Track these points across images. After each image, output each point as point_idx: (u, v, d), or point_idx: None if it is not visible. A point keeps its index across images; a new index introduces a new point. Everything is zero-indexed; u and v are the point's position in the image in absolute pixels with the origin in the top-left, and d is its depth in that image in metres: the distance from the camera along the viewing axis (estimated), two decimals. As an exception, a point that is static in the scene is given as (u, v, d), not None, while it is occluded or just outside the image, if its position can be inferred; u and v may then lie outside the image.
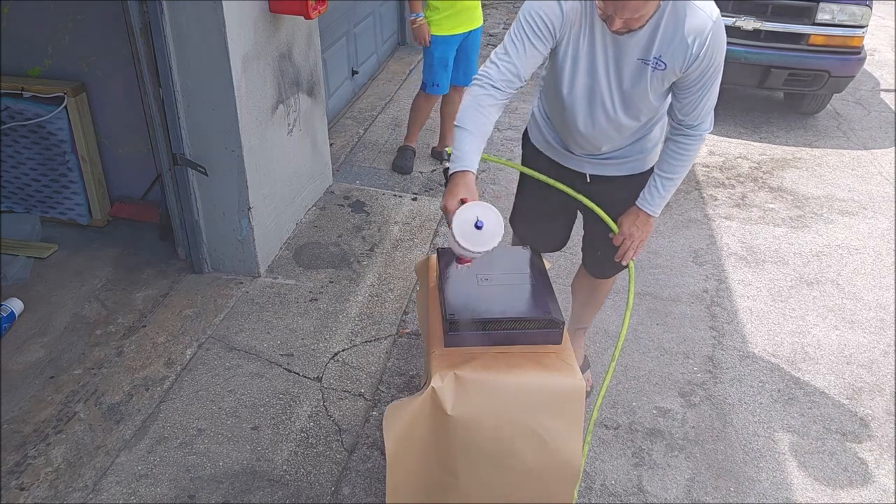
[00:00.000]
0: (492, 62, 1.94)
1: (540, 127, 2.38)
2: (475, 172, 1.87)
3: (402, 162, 4.28)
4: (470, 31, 3.98)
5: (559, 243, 2.69)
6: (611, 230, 2.26)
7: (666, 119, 2.23)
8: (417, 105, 4.23)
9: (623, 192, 2.26)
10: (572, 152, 2.28)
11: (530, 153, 2.45)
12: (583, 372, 2.60)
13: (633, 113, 2.05)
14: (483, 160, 2.12)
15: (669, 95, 2.06)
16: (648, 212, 2.18)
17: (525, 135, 2.51)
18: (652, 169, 2.22)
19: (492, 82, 1.92)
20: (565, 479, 1.88)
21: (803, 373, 2.92)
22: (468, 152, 1.87)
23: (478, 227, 1.74)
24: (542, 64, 2.09)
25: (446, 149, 2.00)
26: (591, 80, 2.00)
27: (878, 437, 2.64)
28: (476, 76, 1.95)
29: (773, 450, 2.56)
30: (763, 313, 3.27)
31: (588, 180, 2.30)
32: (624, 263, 2.26)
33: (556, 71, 2.05)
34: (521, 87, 1.97)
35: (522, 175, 2.49)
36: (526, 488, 1.88)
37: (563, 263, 3.54)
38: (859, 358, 3.02)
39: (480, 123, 1.90)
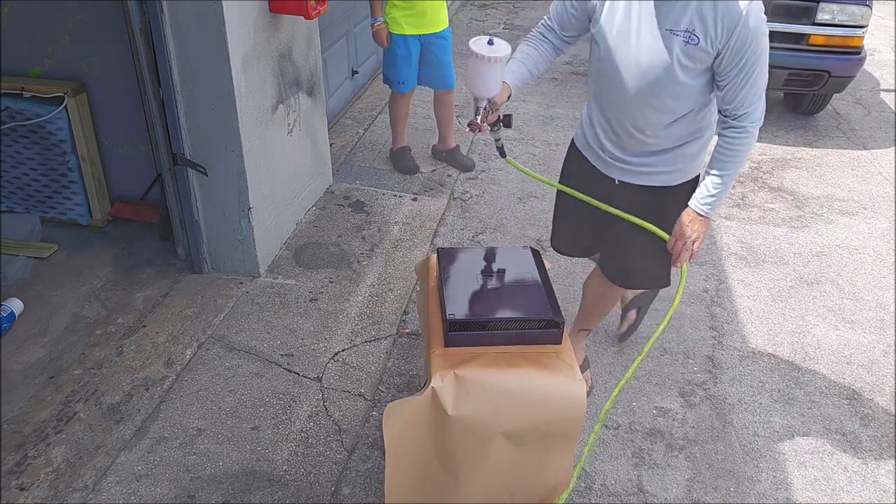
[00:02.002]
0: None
1: (583, 124, 2.40)
2: (510, 89, 2.17)
3: (403, 163, 4.28)
4: (434, 34, 3.98)
5: (590, 251, 2.69)
6: (660, 238, 2.22)
7: (707, 139, 2.22)
8: (392, 106, 4.24)
9: (648, 202, 2.25)
10: (606, 153, 2.28)
11: (571, 153, 2.49)
12: (582, 371, 2.60)
13: (659, 91, 2.03)
14: (518, 170, 2.52)
15: (707, 92, 2.04)
16: (696, 209, 2.12)
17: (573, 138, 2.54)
18: (682, 185, 2.23)
19: (537, 28, 2.29)
20: (564, 478, 1.89)
21: (803, 373, 2.92)
22: (512, 73, 2.21)
23: (490, 43, 2.00)
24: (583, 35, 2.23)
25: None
26: (623, 49, 2.03)
27: (878, 437, 2.64)
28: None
29: (773, 450, 2.56)
30: (763, 313, 3.27)
31: (616, 184, 2.30)
32: (677, 266, 2.20)
33: (594, 41, 2.12)
34: (560, 37, 2.25)
35: (563, 172, 2.55)
36: (525, 488, 1.88)
37: (563, 263, 3.54)
38: (859, 358, 3.02)
39: (522, 52, 2.25)
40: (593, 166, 2.35)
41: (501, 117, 2.21)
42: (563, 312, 1.95)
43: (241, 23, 2.82)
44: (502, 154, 2.40)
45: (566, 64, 6.38)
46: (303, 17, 3.12)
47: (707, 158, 2.19)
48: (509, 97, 2.18)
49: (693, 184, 2.26)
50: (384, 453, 1.87)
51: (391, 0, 3.84)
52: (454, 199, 4.10)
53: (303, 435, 2.47)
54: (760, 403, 2.76)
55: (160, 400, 2.57)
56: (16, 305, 2.92)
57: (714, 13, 1.87)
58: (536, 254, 2.18)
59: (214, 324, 2.95)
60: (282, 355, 2.81)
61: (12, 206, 3.52)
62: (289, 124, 3.37)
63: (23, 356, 2.74)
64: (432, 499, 1.89)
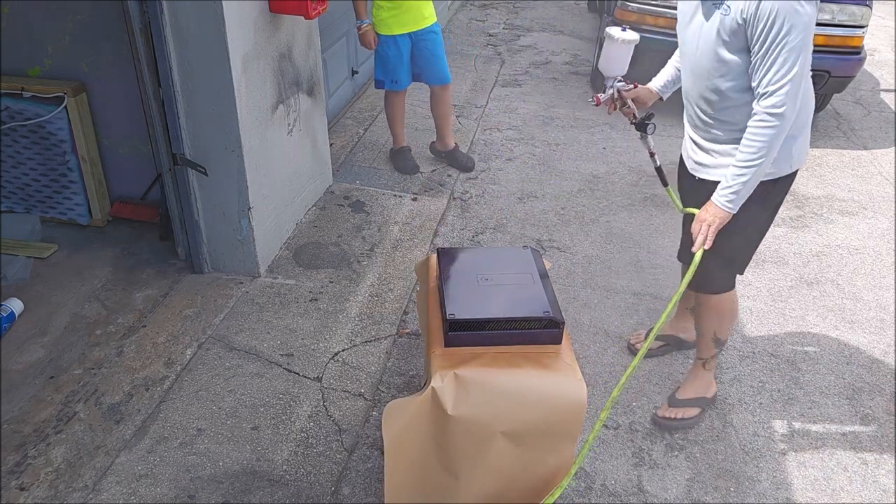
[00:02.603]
0: None
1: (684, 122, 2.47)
2: (651, 88, 2.54)
3: (403, 163, 4.28)
4: (423, 30, 3.96)
5: None
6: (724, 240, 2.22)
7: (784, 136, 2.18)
8: (388, 105, 4.23)
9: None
10: (689, 149, 2.36)
11: (680, 162, 2.56)
12: (678, 405, 2.59)
13: (709, 70, 2.07)
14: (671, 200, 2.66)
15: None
16: (715, 201, 2.13)
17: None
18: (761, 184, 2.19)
19: None
20: (563, 477, 1.89)
21: (803, 373, 2.92)
22: (657, 76, 2.55)
23: (623, 30, 2.30)
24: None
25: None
26: (685, 32, 2.15)
27: (878, 437, 2.64)
28: None
29: (773, 450, 2.56)
30: (763, 313, 3.27)
31: (696, 180, 2.34)
32: (693, 250, 2.20)
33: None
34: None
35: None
36: (525, 488, 1.88)
37: (563, 263, 3.54)
38: (859, 358, 3.02)
39: (669, 61, 2.55)
40: (685, 165, 2.43)
41: (641, 118, 2.44)
42: (563, 312, 1.95)
43: (241, 23, 2.82)
44: (662, 180, 2.61)
45: (566, 64, 6.38)
46: (303, 17, 3.12)
47: (794, 160, 2.18)
48: (661, 99, 2.55)
49: (781, 184, 2.24)
50: (384, 453, 1.87)
51: (380, 6, 3.83)
52: (454, 199, 4.10)
53: (303, 435, 2.47)
54: (760, 403, 2.76)
55: (160, 400, 2.57)
56: (16, 305, 2.92)
57: None
58: (536, 254, 2.18)
59: (214, 324, 2.94)
60: (282, 355, 2.81)
61: (12, 206, 3.52)
62: (289, 124, 3.37)
63: (23, 356, 2.74)
64: (432, 499, 1.89)
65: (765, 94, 1.96)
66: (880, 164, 4.82)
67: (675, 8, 4.97)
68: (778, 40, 1.88)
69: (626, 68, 2.40)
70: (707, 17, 2.04)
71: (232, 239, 3.16)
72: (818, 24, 4.74)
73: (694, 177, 2.35)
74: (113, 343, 2.82)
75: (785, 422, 2.68)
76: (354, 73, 5.13)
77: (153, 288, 3.14)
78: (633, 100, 2.49)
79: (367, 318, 3.05)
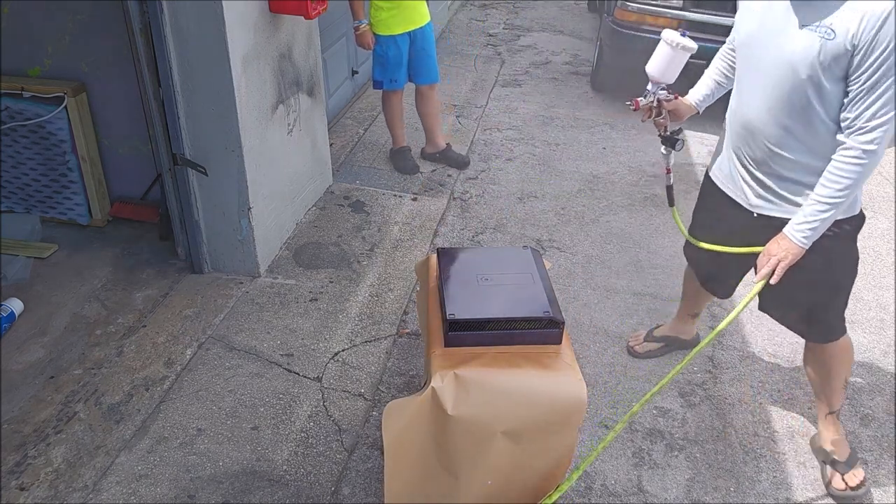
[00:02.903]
0: None
1: (720, 147, 2.31)
2: (690, 102, 2.38)
3: (403, 163, 4.28)
4: (420, 28, 3.97)
5: (728, 289, 2.59)
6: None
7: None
8: (387, 106, 4.23)
9: None
10: (744, 181, 2.14)
11: (706, 187, 2.40)
12: (848, 468, 2.37)
13: (797, 97, 1.88)
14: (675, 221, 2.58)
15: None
16: (788, 234, 1.96)
17: (707, 168, 2.45)
18: (840, 222, 2.02)
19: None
20: (563, 477, 1.89)
21: (803, 373, 2.92)
22: (694, 88, 2.41)
23: (682, 35, 2.18)
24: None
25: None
26: (760, 54, 1.95)
27: (878, 437, 2.64)
28: None
29: (773, 450, 2.56)
30: (763, 313, 3.27)
31: (755, 216, 2.15)
32: (755, 279, 2.07)
33: (737, 42, 2.10)
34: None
35: (697, 205, 2.51)
36: (526, 488, 1.88)
37: (563, 263, 3.54)
38: (859, 358, 3.02)
39: (711, 66, 2.40)
40: (731, 199, 2.22)
41: (671, 132, 2.30)
42: (563, 312, 1.95)
43: (241, 23, 2.82)
44: (670, 200, 2.52)
45: (566, 64, 6.38)
46: (303, 17, 3.12)
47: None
48: (698, 113, 2.37)
49: (854, 222, 2.07)
50: (384, 453, 1.87)
51: (379, 6, 3.82)
52: (454, 199, 4.10)
53: (303, 435, 2.47)
54: (760, 403, 2.76)
55: (160, 400, 2.57)
56: (16, 305, 2.92)
57: (855, 9, 1.72)
58: (536, 254, 2.18)
59: (214, 324, 2.94)
60: (282, 355, 2.80)
61: (12, 206, 3.52)
62: (289, 124, 3.37)
63: (23, 356, 2.74)
64: (432, 499, 1.89)
65: (863, 129, 1.79)
66: (880, 164, 4.82)
67: (675, 8, 5.02)
68: (886, 69, 1.72)
69: (674, 76, 2.24)
70: (796, 39, 1.83)
71: (232, 239, 3.16)
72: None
73: (751, 213, 2.16)
74: (113, 343, 2.82)
75: (785, 422, 2.68)
76: (354, 73, 5.13)
77: (153, 288, 3.13)
78: (669, 112, 2.33)
79: (367, 318, 3.05)
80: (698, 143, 4.93)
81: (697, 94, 2.39)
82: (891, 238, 3.93)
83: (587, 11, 8.02)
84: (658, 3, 4.94)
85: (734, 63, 2.23)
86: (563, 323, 1.88)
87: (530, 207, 4.04)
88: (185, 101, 2.87)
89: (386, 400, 2.63)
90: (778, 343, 3.08)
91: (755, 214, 2.15)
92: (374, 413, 2.59)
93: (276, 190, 3.31)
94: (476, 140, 4.83)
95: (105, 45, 3.18)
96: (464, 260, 2.18)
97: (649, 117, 2.33)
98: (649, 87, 2.28)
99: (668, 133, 2.35)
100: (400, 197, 4.00)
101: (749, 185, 2.15)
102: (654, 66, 2.24)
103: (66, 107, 3.22)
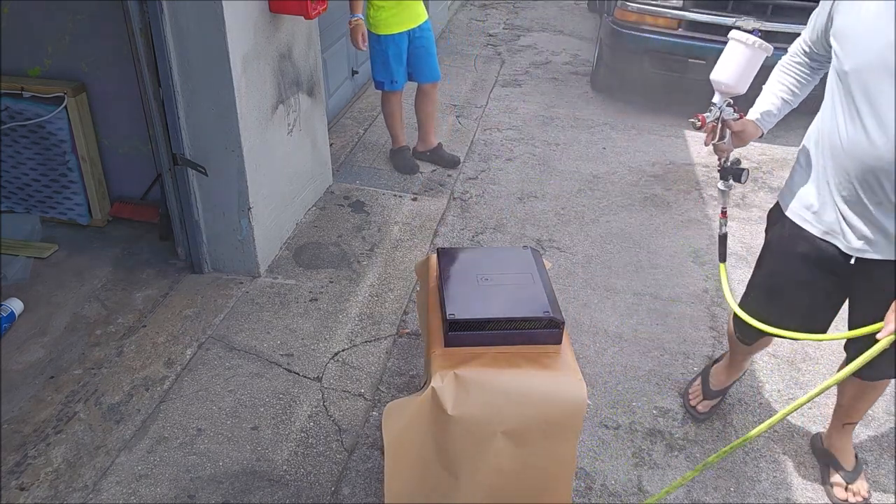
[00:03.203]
0: None
1: (797, 180, 1.99)
2: (752, 119, 2.06)
3: (403, 163, 4.28)
4: (419, 26, 3.98)
5: (819, 325, 2.13)
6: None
7: None
8: (387, 106, 4.22)
9: None
10: (842, 220, 1.85)
11: (778, 230, 2.07)
12: (854, 479, 2.32)
13: None
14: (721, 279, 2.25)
15: None
16: None
17: (774, 208, 2.13)
18: None
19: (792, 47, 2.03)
20: (564, 477, 1.89)
21: (803, 373, 2.92)
22: (756, 106, 2.09)
23: (756, 33, 1.93)
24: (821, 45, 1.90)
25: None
26: (869, 55, 1.64)
27: (878, 437, 2.64)
28: None
29: (773, 450, 2.56)
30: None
31: (852, 263, 1.88)
32: (879, 337, 1.71)
33: (834, 55, 1.77)
34: (809, 54, 1.98)
35: (762, 259, 2.19)
36: (526, 488, 1.88)
37: (563, 263, 3.54)
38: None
39: (772, 79, 2.08)
40: (819, 239, 1.93)
41: (732, 161, 2.01)
42: (563, 312, 1.95)
43: (241, 23, 2.82)
44: (722, 254, 2.20)
45: (566, 64, 6.38)
46: (303, 17, 3.12)
47: None
48: (761, 136, 2.04)
49: None
50: (384, 453, 1.87)
51: (379, 6, 3.80)
52: (454, 199, 4.10)
53: (303, 435, 2.47)
54: (760, 403, 2.76)
55: (160, 400, 2.57)
56: (16, 305, 2.92)
57: None
58: (536, 254, 2.17)
59: (214, 324, 2.94)
60: (282, 355, 2.80)
61: (12, 206, 3.52)
62: (289, 124, 3.37)
63: (23, 356, 2.74)
64: (432, 499, 1.89)
65: None
66: None
67: (675, 8, 5.03)
68: None
69: (746, 85, 1.95)
70: None
71: (232, 239, 3.16)
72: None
73: (847, 259, 1.89)
74: (113, 343, 2.82)
75: (785, 422, 2.68)
76: (354, 73, 5.13)
77: (153, 288, 3.13)
78: (734, 133, 2.02)
79: (367, 318, 3.05)
80: (698, 144, 4.93)
81: (762, 113, 2.04)
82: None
83: (587, 11, 8.02)
84: (658, 3, 4.94)
85: (805, 78, 2.00)
86: (563, 323, 1.88)
87: (530, 207, 4.04)
88: (185, 101, 2.87)
89: (386, 400, 2.63)
90: (778, 343, 3.08)
91: (852, 261, 1.88)
92: (374, 413, 2.59)
93: (276, 190, 3.31)
94: (476, 140, 4.83)
95: (105, 45, 3.18)
96: (464, 260, 2.18)
97: (713, 140, 2.03)
98: (716, 99, 1.99)
99: (730, 163, 2.05)
100: (400, 197, 4.00)
101: (852, 227, 1.84)
102: (725, 72, 1.93)
103: (66, 107, 3.22)
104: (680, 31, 4.90)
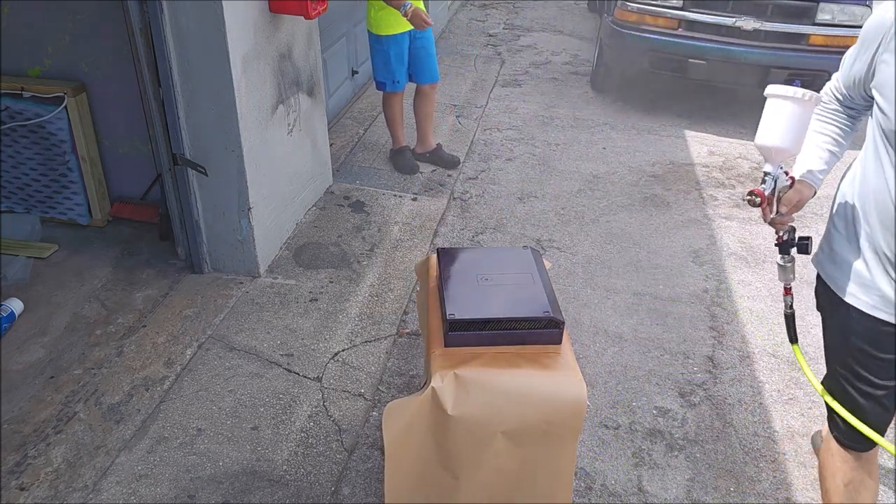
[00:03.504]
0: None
1: (835, 246, 1.75)
2: (805, 180, 1.78)
3: (403, 163, 4.28)
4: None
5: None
6: None
7: None
8: (388, 106, 4.23)
9: None
10: (890, 276, 1.62)
11: (832, 312, 1.78)
12: None
13: None
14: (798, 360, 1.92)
15: None
16: None
17: (818, 285, 1.85)
18: None
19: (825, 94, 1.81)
20: (564, 477, 1.89)
21: (803, 373, 2.92)
22: (804, 162, 1.80)
23: (795, 83, 1.71)
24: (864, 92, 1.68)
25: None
26: None
27: (878, 437, 2.64)
28: None
29: (773, 450, 2.56)
30: (763, 313, 3.27)
31: None
32: None
33: (875, 105, 1.60)
34: (845, 101, 1.76)
35: (826, 321, 1.85)
36: (526, 488, 1.88)
37: (563, 263, 3.54)
38: (859, 358, 3.02)
39: (815, 141, 1.80)
40: (885, 323, 1.66)
41: (795, 237, 1.78)
42: (563, 312, 1.95)
43: (241, 23, 2.82)
44: (791, 334, 1.92)
45: (566, 64, 6.38)
46: (303, 17, 3.12)
47: None
48: (814, 193, 1.78)
49: None
50: (384, 453, 1.87)
51: (381, 7, 3.80)
52: (454, 199, 4.10)
53: (303, 435, 2.47)
54: (760, 403, 2.76)
55: (160, 400, 2.57)
56: (16, 305, 2.92)
57: None
58: (536, 254, 2.17)
59: (214, 324, 2.94)
60: (282, 355, 2.80)
61: (12, 206, 3.52)
62: (289, 124, 3.37)
63: (23, 356, 2.74)
64: (432, 499, 1.89)
65: None
66: None
67: (675, 8, 5.03)
68: None
69: (801, 142, 1.74)
70: None
71: (232, 239, 3.16)
72: (819, 24, 4.75)
73: None
74: (113, 343, 2.82)
75: (785, 422, 2.68)
76: (354, 73, 5.13)
77: (153, 288, 3.13)
78: (785, 202, 1.77)
79: (367, 318, 3.05)
80: (698, 144, 4.93)
81: (813, 171, 1.78)
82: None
83: (587, 11, 8.02)
84: (658, 3, 4.94)
85: (847, 125, 1.80)
86: (563, 323, 1.88)
87: (530, 207, 4.04)
88: (185, 101, 2.87)
89: (386, 400, 2.63)
90: (778, 343, 3.08)
91: None
92: (374, 413, 2.59)
93: (276, 190, 3.31)
94: (476, 140, 4.83)
95: (105, 45, 3.18)
96: (464, 260, 2.18)
97: (772, 214, 1.78)
98: (768, 168, 1.75)
99: (791, 235, 1.82)
100: (400, 197, 4.00)
101: None
102: (778, 135, 1.69)
103: (66, 107, 3.22)
104: (680, 31, 4.90)
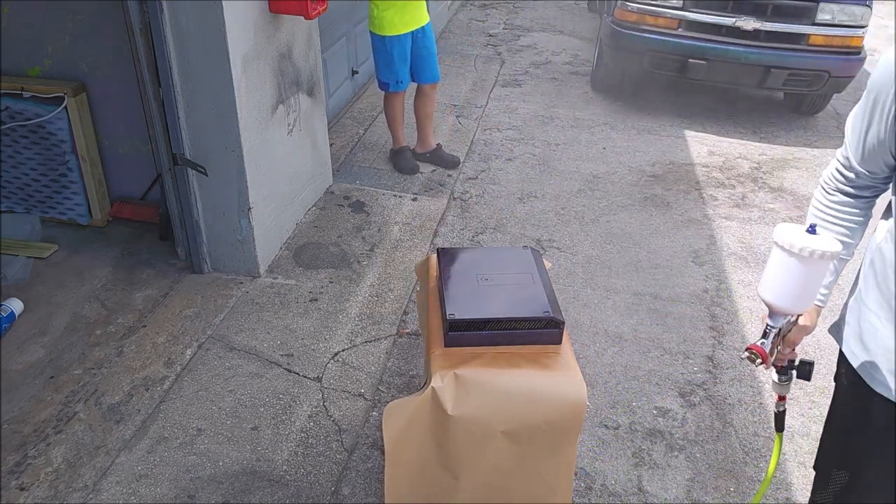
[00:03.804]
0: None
1: (865, 322, 1.45)
2: (815, 304, 1.50)
3: (403, 163, 4.28)
4: (420, 28, 3.98)
5: None
6: None
7: None
8: (389, 106, 4.22)
9: None
10: None
11: (849, 390, 1.54)
12: None
13: None
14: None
15: None
16: None
17: (841, 368, 1.58)
18: None
19: (822, 181, 1.52)
20: (564, 477, 1.89)
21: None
22: None
23: (811, 231, 1.38)
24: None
25: None
26: None
27: (878, 437, 2.64)
28: None
29: (773, 450, 2.55)
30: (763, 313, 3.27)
31: None
32: None
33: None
34: (856, 181, 1.45)
35: (834, 403, 1.65)
36: (525, 488, 1.88)
37: (563, 263, 3.54)
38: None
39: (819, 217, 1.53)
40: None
41: (797, 362, 1.55)
42: (563, 312, 1.95)
43: (241, 23, 2.82)
44: (779, 425, 1.76)
45: (566, 64, 6.38)
46: (303, 17, 3.12)
47: None
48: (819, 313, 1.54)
49: None
50: (384, 453, 1.87)
51: (384, 7, 3.80)
52: (454, 199, 4.10)
53: (303, 435, 2.47)
54: (760, 403, 2.76)
55: (160, 400, 2.57)
56: (16, 305, 2.92)
57: None
58: (536, 254, 2.17)
59: (214, 324, 2.94)
60: (282, 355, 2.80)
61: (12, 206, 3.52)
62: (289, 124, 3.37)
63: (23, 356, 2.74)
64: (432, 499, 1.89)
65: None
66: None
67: (675, 8, 5.03)
68: None
69: (813, 297, 1.48)
70: None
71: (232, 239, 3.15)
72: (818, 24, 4.75)
73: None
74: (113, 343, 2.82)
75: (785, 422, 2.67)
76: (354, 73, 5.13)
77: (153, 288, 3.13)
78: (789, 344, 1.58)
79: (367, 318, 3.05)
80: (698, 144, 4.93)
81: (820, 288, 1.52)
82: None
83: (587, 11, 8.02)
84: (658, 3, 4.95)
85: (856, 219, 1.50)
86: (563, 323, 1.88)
87: (530, 207, 4.04)
88: (185, 101, 2.87)
89: (386, 400, 2.63)
90: (778, 343, 3.08)
91: None
92: (374, 413, 2.59)
93: (276, 190, 3.31)
94: (476, 140, 4.83)
95: (105, 45, 3.18)
96: (464, 260, 2.18)
97: (773, 360, 1.57)
98: (769, 321, 1.51)
99: (792, 361, 1.61)
100: (400, 197, 4.00)
101: None
102: (781, 293, 1.43)
103: (66, 107, 3.21)
104: (680, 31, 4.90)
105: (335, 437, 2.47)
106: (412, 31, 3.95)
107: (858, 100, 1.44)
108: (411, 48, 4.01)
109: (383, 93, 4.20)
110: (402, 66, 4.00)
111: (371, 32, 3.97)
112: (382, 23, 3.86)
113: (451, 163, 4.37)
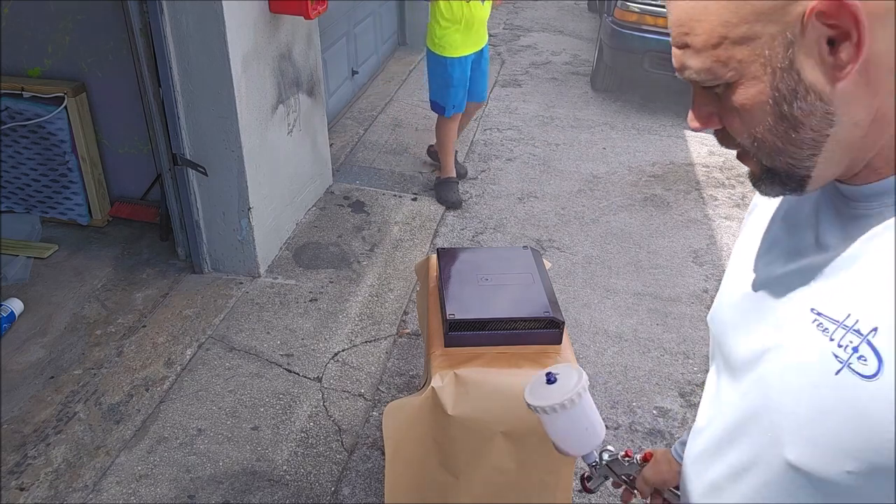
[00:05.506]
0: None
1: None
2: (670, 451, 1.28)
3: (450, 196, 4.00)
4: (479, 50, 3.86)
5: None
6: None
7: None
8: (444, 132, 3.94)
9: None
10: None
11: None
12: None
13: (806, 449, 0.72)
14: None
15: None
16: None
17: None
18: None
19: None
20: (564, 477, 1.89)
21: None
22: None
23: (550, 381, 1.28)
24: None
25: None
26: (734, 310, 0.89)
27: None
28: None
29: (773, 450, 2.56)
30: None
31: None
32: None
33: None
34: None
35: None
36: (525, 488, 1.88)
37: (563, 263, 3.54)
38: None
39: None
40: None
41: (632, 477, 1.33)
42: (563, 312, 1.95)
43: (241, 23, 2.82)
44: None
45: (566, 64, 6.38)
46: (303, 17, 3.12)
47: None
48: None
49: None
50: (384, 453, 1.87)
51: (448, 26, 3.63)
52: (454, 199, 4.10)
53: (303, 435, 2.47)
54: (760, 403, 2.76)
55: (160, 400, 2.57)
56: (16, 305, 2.92)
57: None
58: (536, 254, 2.17)
59: (214, 324, 2.94)
60: (282, 355, 2.80)
61: (12, 206, 3.52)
62: (289, 124, 3.37)
63: (23, 356, 2.74)
64: (432, 499, 1.89)
65: None
66: (880, 164, 4.81)
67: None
68: None
69: (595, 435, 1.31)
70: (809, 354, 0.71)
71: (232, 239, 3.15)
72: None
73: None
74: (113, 343, 2.82)
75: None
76: (354, 73, 5.13)
77: (153, 288, 3.13)
78: (653, 476, 1.31)
79: (367, 318, 3.05)
80: (698, 144, 4.93)
81: (679, 442, 1.25)
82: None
83: (587, 11, 8.02)
84: (658, 3, 4.95)
85: None
86: (564, 323, 1.88)
87: (530, 207, 4.04)
88: (185, 101, 2.87)
89: (386, 400, 2.63)
90: (778, 343, 3.08)
91: None
92: (374, 413, 2.59)
93: (276, 190, 3.31)
94: (476, 140, 4.83)
95: (105, 45, 3.18)
96: (464, 260, 2.18)
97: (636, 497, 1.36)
98: (588, 459, 1.36)
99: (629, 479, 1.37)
100: (400, 197, 4.00)
101: None
102: (569, 444, 1.32)
103: (66, 107, 3.21)
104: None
105: (335, 437, 2.47)
106: (474, 53, 3.80)
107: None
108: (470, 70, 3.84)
109: (437, 117, 3.95)
110: (461, 89, 3.80)
111: (429, 51, 3.75)
112: (444, 42, 3.66)
113: (460, 173, 4.33)
